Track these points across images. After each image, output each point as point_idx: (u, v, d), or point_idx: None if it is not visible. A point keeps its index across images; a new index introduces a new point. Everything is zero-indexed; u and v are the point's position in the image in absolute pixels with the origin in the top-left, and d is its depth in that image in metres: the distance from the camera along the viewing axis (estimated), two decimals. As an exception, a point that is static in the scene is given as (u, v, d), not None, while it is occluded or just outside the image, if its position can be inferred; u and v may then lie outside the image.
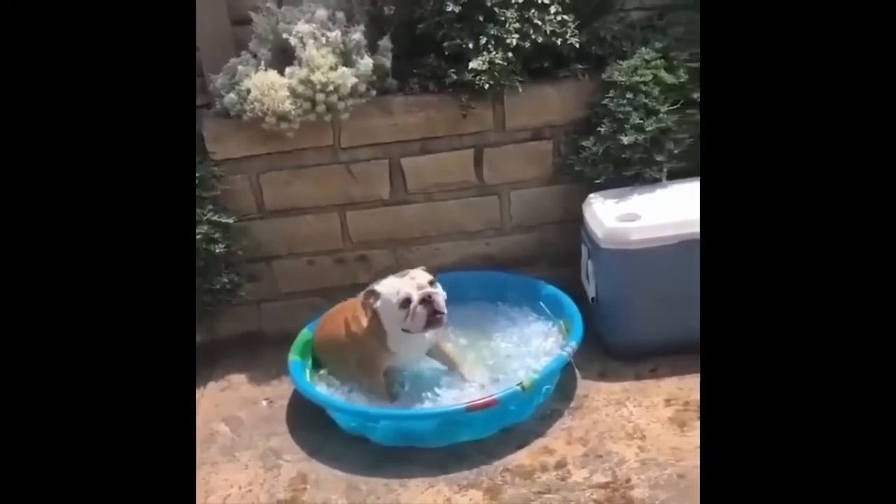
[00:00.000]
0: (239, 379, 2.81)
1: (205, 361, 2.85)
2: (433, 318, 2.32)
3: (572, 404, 2.48)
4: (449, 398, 2.41)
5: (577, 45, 2.70)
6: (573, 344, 2.46)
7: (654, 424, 2.34)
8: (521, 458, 2.29)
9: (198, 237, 2.67)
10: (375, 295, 2.41)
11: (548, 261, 2.96)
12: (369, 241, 2.94)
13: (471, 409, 2.26)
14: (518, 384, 2.30)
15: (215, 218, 2.72)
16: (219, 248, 2.73)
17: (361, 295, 2.48)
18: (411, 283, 2.37)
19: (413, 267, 2.50)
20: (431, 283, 2.37)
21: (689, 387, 2.47)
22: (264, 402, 2.68)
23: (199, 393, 2.74)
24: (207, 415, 2.63)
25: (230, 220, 2.75)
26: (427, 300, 2.32)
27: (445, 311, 2.34)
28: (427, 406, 2.38)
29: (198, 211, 2.69)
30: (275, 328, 2.96)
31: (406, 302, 2.33)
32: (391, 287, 2.39)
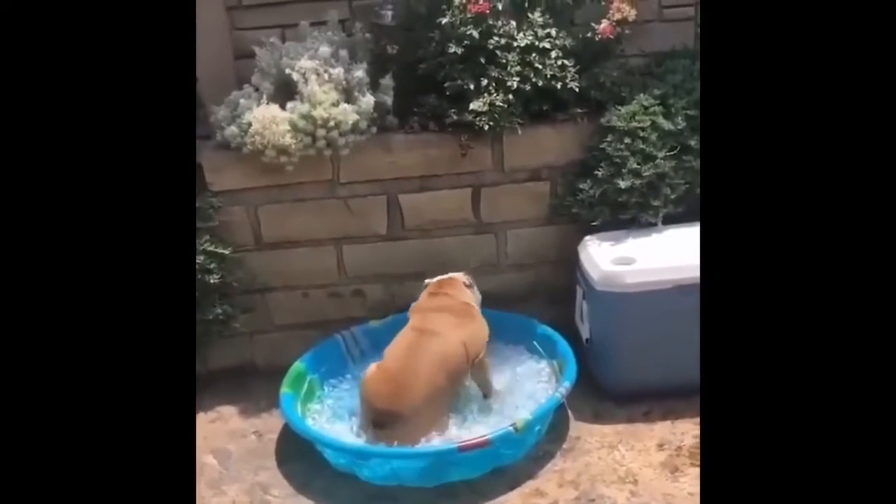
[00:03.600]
0: (229, 411, 2.80)
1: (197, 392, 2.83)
2: None
3: (565, 446, 2.47)
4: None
5: (577, 90, 2.72)
6: (566, 385, 2.46)
7: (646, 469, 2.34)
8: (513, 499, 2.28)
9: (194, 268, 2.67)
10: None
11: (543, 300, 2.97)
12: (365, 275, 2.94)
13: (462, 449, 2.25)
14: (511, 425, 2.29)
15: (211, 248, 2.73)
16: (213, 279, 2.73)
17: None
18: None
19: (412, 300, 2.56)
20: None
21: (681, 431, 2.47)
22: (253, 436, 2.66)
23: (188, 424, 2.72)
24: (198, 446, 2.60)
25: (226, 251, 2.75)
26: None
27: None
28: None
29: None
30: (267, 361, 2.95)
31: None
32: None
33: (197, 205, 2.73)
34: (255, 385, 2.89)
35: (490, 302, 2.92)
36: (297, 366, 2.71)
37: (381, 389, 2.38)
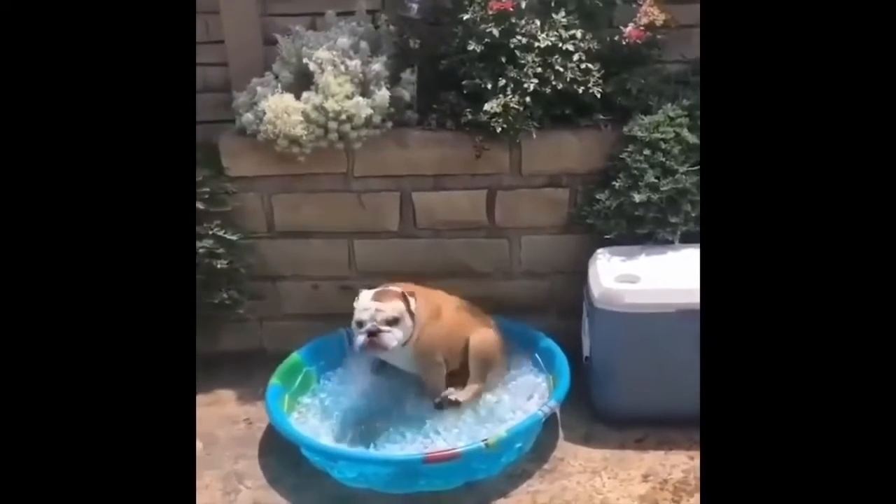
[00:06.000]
0: (227, 395, 2.82)
1: (199, 373, 2.85)
2: (370, 343, 2.36)
3: (546, 466, 2.38)
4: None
5: (600, 95, 2.60)
6: (552, 404, 2.37)
7: (623, 500, 2.22)
8: (479, 517, 2.20)
9: (201, 251, 2.69)
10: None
11: (555, 311, 2.87)
12: (375, 271, 2.89)
13: (429, 460, 2.19)
14: (483, 440, 2.22)
15: (220, 233, 2.74)
16: (220, 264, 2.74)
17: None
18: (374, 309, 2.37)
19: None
20: (394, 318, 2.37)
21: (671, 464, 2.34)
22: (243, 423, 2.67)
23: (186, 405, 2.75)
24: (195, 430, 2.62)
25: (234, 237, 2.76)
26: (372, 333, 2.35)
27: (390, 344, 2.37)
28: (387, 451, 2.30)
29: (204, 225, 2.72)
30: (275, 348, 2.94)
31: (359, 324, 2.39)
32: (362, 301, 2.42)
33: (210, 189, 2.75)
34: (259, 371, 2.86)
35: (500, 309, 2.84)
36: (294, 357, 2.70)
37: None
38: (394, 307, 2.38)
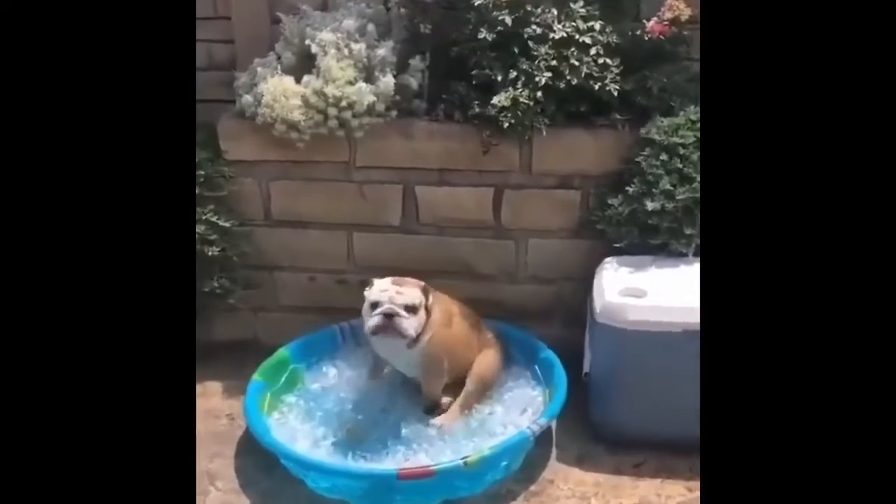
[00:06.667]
0: (214, 387, 2.71)
1: (189, 362, 2.77)
2: (384, 326, 2.22)
3: (533, 488, 2.23)
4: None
5: (617, 93, 2.42)
6: (541, 422, 2.22)
7: (610, 532, 2.07)
8: (454, 538, 2.07)
9: (192, 237, 2.58)
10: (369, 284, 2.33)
11: (560, 320, 2.71)
12: (374, 266, 2.76)
13: (403, 476, 2.06)
14: (463, 458, 2.08)
15: (214, 219, 2.62)
16: (213, 251, 2.63)
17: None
18: (394, 292, 2.24)
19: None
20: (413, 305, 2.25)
21: (668, 493, 2.18)
22: (226, 418, 2.56)
23: (170, 395, 2.66)
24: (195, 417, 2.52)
25: (228, 224, 2.65)
26: (388, 315, 2.21)
27: (406, 332, 2.22)
28: (360, 464, 2.18)
29: (197, 209, 2.60)
30: (270, 339, 2.82)
31: (374, 305, 2.25)
32: (378, 284, 2.29)
33: (207, 172, 2.64)
34: (251, 364, 2.73)
35: (503, 314, 2.70)
36: (281, 353, 2.59)
37: None
38: (414, 294, 2.25)
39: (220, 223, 2.64)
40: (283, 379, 2.54)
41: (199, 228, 2.60)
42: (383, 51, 2.53)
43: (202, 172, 2.62)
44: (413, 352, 2.31)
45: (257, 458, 2.34)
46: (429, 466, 2.07)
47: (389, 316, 2.21)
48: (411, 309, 2.23)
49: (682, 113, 2.42)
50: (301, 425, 2.40)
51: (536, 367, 2.53)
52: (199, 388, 2.70)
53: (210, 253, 2.62)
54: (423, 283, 2.30)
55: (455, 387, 2.41)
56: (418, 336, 2.26)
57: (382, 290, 2.24)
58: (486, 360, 2.43)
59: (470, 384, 2.38)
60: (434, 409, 2.37)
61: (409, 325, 2.22)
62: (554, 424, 2.39)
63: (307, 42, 2.55)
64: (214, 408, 2.62)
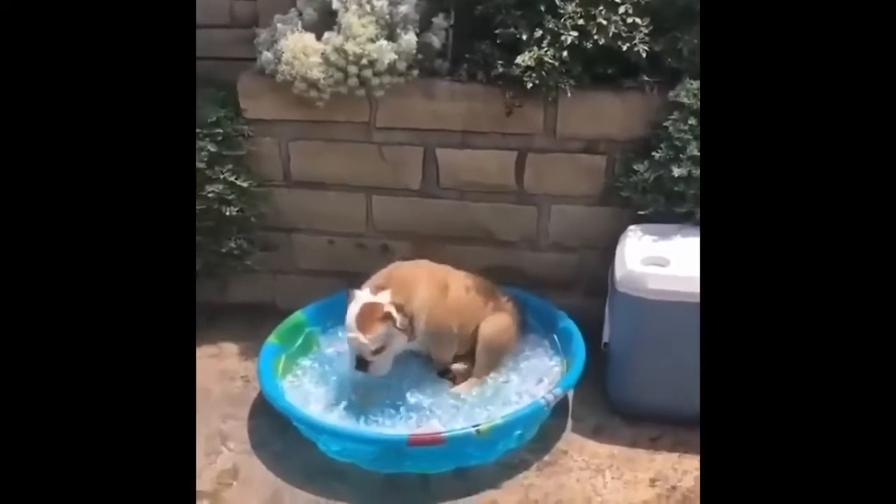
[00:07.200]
0: (230, 349, 2.70)
1: (206, 323, 2.75)
2: (362, 367, 2.21)
3: (546, 458, 2.18)
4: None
5: (646, 54, 2.33)
6: (557, 392, 2.16)
7: (623, 505, 2.01)
8: (463, 506, 2.03)
9: (210, 196, 2.56)
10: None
11: (581, 289, 2.65)
12: (393, 230, 2.72)
13: (413, 442, 2.02)
14: (475, 426, 2.03)
15: (232, 179, 2.59)
16: (231, 211, 2.60)
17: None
18: (360, 337, 2.16)
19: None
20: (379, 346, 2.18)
21: (684, 469, 2.12)
22: (240, 380, 2.54)
23: (186, 355, 2.64)
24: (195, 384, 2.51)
25: (246, 184, 2.61)
26: (361, 363, 2.20)
27: (379, 371, 2.22)
28: (372, 428, 2.14)
29: (215, 169, 2.58)
30: (287, 303, 2.78)
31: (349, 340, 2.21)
32: (349, 316, 2.20)
33: (225, 131, 2.60)
34: (268, 326, 2.72)
35: (524, 281, 2.64)
36: (297, 316, 2.55)
37: None
38: (375, 337, 2.15)
39: (239, 183, 2.60)
40: (298, 342, 2.50)
41: (217, 188, 2.57)
42: (406, 7, 2.46)
43: (221, 131, 2.59)
44: (417, 337, 2.27)
45: (270, 420, 2.31)
46: (439, 433, 2.03)
47: (361, 363, 2.19)
48: (378, 350, 2.17)
49: (713, 76, 2.31)
50: (315, 389, 2.37)
51: (555, 336, 2.48)
52: (214, 349, 2.70)
53: (228, 213, 2.59)
54: (384, 309, 2.16)
55: (471, 354, 2.37)
56: (412, 327, 2.21)
57: (350, 334, 2.17)
58: (495, 321, 2.38)
59: (480, 348, 2.34)
60: (446, 372, 2.33)
61: (381, 366, 2.20)
62: (571, 395, 2.34)
63: (329, -3, 2.49)
64: (229, 369, 2.60)
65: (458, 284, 2.37)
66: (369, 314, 2.15)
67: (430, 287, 2.29)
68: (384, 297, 2.18)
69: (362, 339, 2.13)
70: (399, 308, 2.16)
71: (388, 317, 2.14)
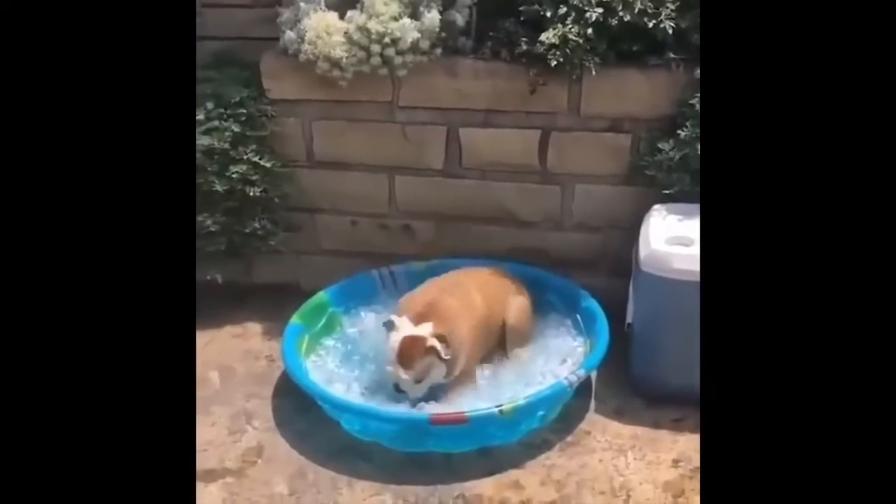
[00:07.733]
0: (254, 329, 2.71)
1: (231, 303, 2.78)
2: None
3: (569, 438, 2.18)
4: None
5: (672, 31, 2.30)
6: (580, 373, 2.15)
7: (646, 486, 2.01)
8: (485, 486, 2.03)
9: (234, 177, 2.57)
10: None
11: (606, 270, 2.62)
12: (415, 211, 2.72)
13: (435, 421, 2.02)
14: (498, 407, 2.03)
15: (255, 159, 2.59)
16: (254, 192, 2.60)
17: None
18: (401, 372, 2.13)
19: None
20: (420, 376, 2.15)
21: (709, 450, 2.09)
22: (265, 359, 2.56)
23: (211, 334, 2.66)
24: (208, 359, 2.53)
25: (269, 165, 2.61)
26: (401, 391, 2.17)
27: (417, 396, 2.17)
28: (397, 408, 2.14)
29: (239, 149, 2.58)
30: (311, 283, 2.79)
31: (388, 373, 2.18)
32: (390, 345, 2.16)
33: (249, 111, 2.60)
34: (292, 306, 2.73)
35: (548, 261, 2.63)
36: (320, 296, 2.56)
37: None
38: (416, 372, 2.12)
39: (263, 163, 2.61)
40: (321, 322, 2.51)
41: (241, 168, 2.58)
42: (429, -15, 2.44)
43: (245, 111, 2.59)
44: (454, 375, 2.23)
45: (294, 399, 2.32)
46: (462, 413, 2.03)
47: (401, 391, 2.16)
48: (419, 380, 2.14)
49: (740, 53, 2.28)
50: (338, 368, 2.38)
51: (578, 316, 2.46)
52: (239, 328, 2.72)
53: (252, 194, 2.60)
54: (429, 342, 2.11)
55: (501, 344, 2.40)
56: (454, 364, 2.18)
57: (390, 367, 2.13)
58: (516, 307, 2.38)
59: (509, 339, 2.38)
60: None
61: (422, 390, 2.16)
62: (594, 375, 2.33)
63: (352, -25, 2.48)
64: (254, 349, 2.61)
65: (480, 295, 2.33)
66: (411, 347, 2.11)
67: (469, 320, 2.24)
68: (425, 329, 2.14)
69: (402, 374, 2.11)
70: (441, 338, 2.11)
71: (431, 350, 2.10)
